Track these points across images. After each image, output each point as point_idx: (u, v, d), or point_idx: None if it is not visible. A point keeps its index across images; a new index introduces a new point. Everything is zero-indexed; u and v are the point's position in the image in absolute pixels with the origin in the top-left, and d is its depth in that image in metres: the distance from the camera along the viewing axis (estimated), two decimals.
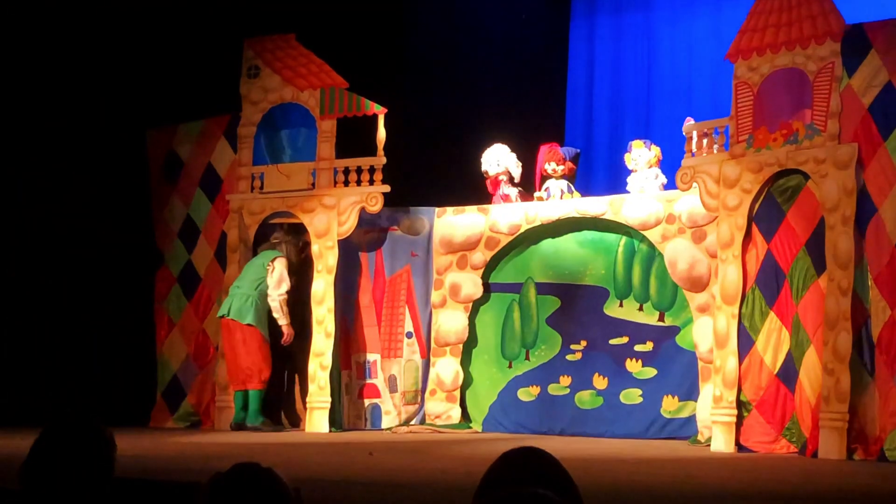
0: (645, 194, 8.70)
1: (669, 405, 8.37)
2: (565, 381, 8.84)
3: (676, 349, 8.42)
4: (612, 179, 9.35)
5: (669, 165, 8.87)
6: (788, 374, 7.36)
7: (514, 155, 9.38)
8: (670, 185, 8.72)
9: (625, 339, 8.63)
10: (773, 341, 7.47)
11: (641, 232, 8.54)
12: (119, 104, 10.24)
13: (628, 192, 8.92)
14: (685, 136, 8.24)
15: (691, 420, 8.21)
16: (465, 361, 9.22)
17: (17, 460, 2.75)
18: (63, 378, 9.96)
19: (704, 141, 8.01)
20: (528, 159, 10.04)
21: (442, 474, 5.93)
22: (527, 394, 8.97)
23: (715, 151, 7.94)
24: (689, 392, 8.28)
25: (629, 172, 9.04)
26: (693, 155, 8.07)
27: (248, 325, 9.00)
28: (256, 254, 9.41)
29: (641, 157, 8.93)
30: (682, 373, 8.36)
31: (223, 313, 9.12)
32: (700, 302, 8.16)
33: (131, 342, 10.12)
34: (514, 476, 2.34)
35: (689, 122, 8.43)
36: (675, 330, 8.45)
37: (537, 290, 9.03)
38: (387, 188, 9.09)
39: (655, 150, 8.95)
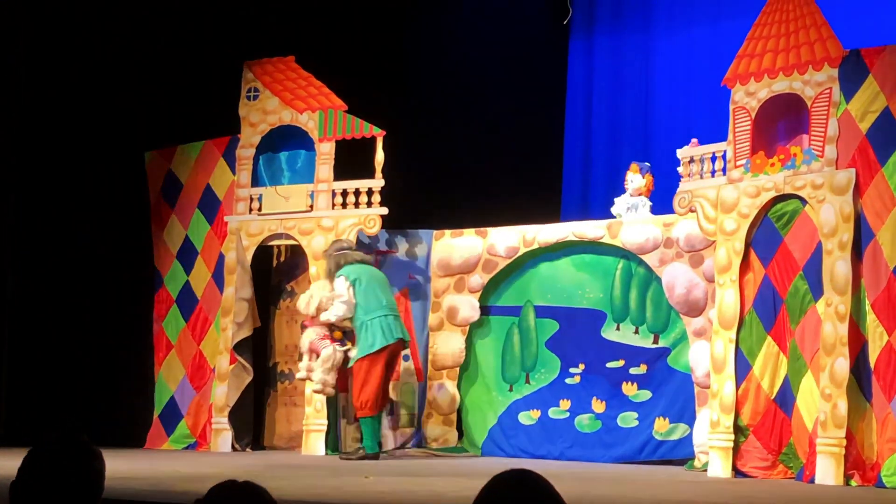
0: (641, 218, 8.71)
1: (661, 426, 8.36)
2: (565, 404, 8.83)
3: (668, 370, 8.42)
4: (610, 201, 9.35)
5: (668, 188, 8.88)
6: (786, 399, 7.35)
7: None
8: (659, 211, 8.75)
9: (621, 363, 8.63)
10: (770, 366, 7.46)
11: (639, 256, 8.54)
12: (118, 125, 10.26)
13: (611, 211, 8.96)
14: (679, 160, 8.30)
15: (683, 441, 8.20)
16: (462, 385, 9.20)
17: (7, 479, 2.74)
18: (60, 398, 9.93)
19: (702, 165, 8.02)
20: (525, 180, 10.08)
21: (438, 498, 5.91)
22: (527, 417, 8.96)
23: (713, 176, 7.95)
24: (681, 413, 8.27)
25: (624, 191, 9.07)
26: (691, 179, 8.08)
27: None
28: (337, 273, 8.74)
29: (633, 182, 8.99)
30: (673, 394, 8.36)
31: (404, 337, 8.63)
32: (697, 326, 8.15)
33: (130, 363, 10.10)
34: (506, 499, 2.34)
35: (695, 143, 8.44)
36: (666, 351, 8.45)
37: (536, 313, 9.03)
38: (385, 210, 9.09)
39: (647, 179, 8.95)
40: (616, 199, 9.06)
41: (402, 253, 9.37)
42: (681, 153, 8.24)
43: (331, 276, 8.68)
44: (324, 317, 8.61)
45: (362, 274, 8.60)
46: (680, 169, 8.60)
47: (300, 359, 8.85)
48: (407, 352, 9.22)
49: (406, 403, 9.22)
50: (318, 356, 8.65)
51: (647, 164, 9.14)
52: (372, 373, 8.41)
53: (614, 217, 8.96)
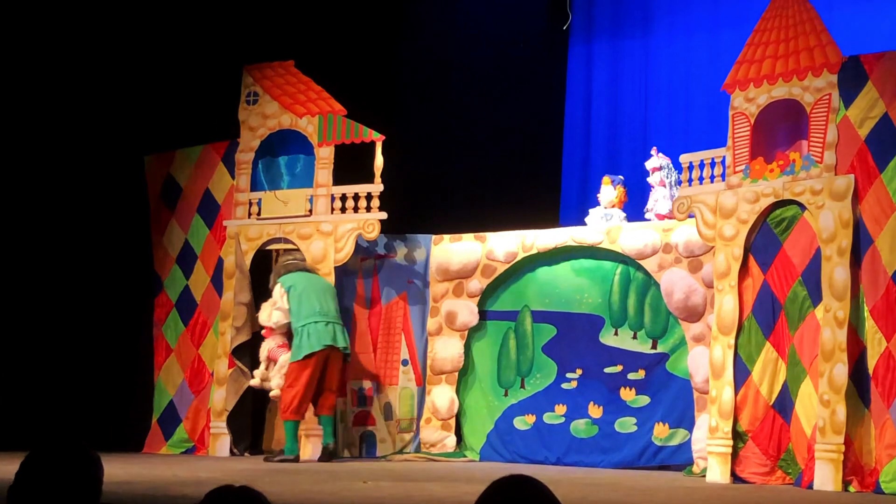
0: (638, 224, 8.72)
1: (660, 432, 8.37)
2: (560, 409, 8.83)
3: (667, 376, 8.42)
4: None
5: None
6: (784, 404, 7.35)
7: None
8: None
9: (619, 368, 8.63)
10: (769, 372, 7.46)
11: (638, 261, 8.54)
12: (117, 129, 10.26)
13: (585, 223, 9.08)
14: (647, 171, 8.71)
15: (683, 447, 8.20)
16: (461, 389, 9.20)
17: (6, 483, 2.74)
18: (60, 402, 9.93)
19: (701, 171, 8.03)
20: (524, 185, 10.07)
21: (436, 503, 5.91)
22: (522, 422, 8.95)
23: (712, 182, 7.96)
24: (680, 419, 8.27)
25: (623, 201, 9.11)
26: (690, 184, 8.09)
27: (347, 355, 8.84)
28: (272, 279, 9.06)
29: (605, 195, 9.04)
30: (672, 399, 8.36)
31: (333, 344, 8.63)
32: (696, 332, 8.15)
33: (130, 367, 10.09)
34: None
35: (655, 152, 8.78)
36: (665, 357, 8.45)
37: (533, 318, 9.03)
38: (384, 215, 9.09)
39: (619, 191, 9.00)
40: (591, 211, 9.10)
41: (401, 257, 9.38)
42: (650, 164, 8.65)
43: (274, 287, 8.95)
44: (264, 323, 8.91)
45: (298, 282, 8.78)
46: (650, 179, 8.75)
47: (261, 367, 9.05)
48: (405, 356, 9.24)
49: (405, 408, 9.22)
50: (275, 363, 8.83)
51: (621, 176, 9.22)
52: (298, 378, 8.56)
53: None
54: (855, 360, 6.91)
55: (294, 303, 8.69)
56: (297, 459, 8.57)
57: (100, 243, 10.20)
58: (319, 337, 8.57)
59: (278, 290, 8.81)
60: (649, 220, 8.79)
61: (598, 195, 9.13)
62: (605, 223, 8.86)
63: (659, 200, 8.72)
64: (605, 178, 9.16)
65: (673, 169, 8.75)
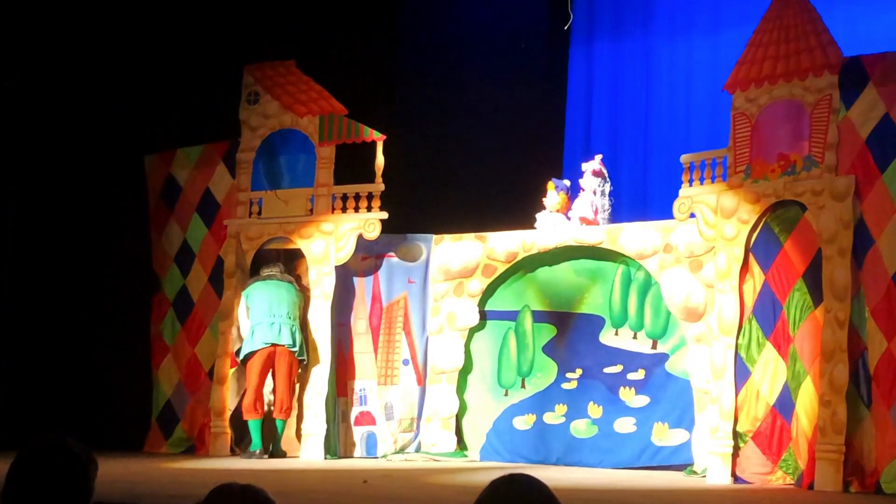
0: (639, 224, 8.73)
1: (660, 432, 8.36)
2: (560, 409, 8.83)
3: (667, 376, 8.42)
4: (613, 207, 9.36)
5: (667, 194, 8.90)
6: (785, 405, 7.35)
7: None
8: (659, 217, 8.78)
9: (619, 368, 8.63)
10: (769, 372, 7.46)
11: (639, 261, 8.54)
12: (118, 129, 10.26)
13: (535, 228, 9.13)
14: (583, 171, 8.87)
15: (682, 447, 8.19)
16: (461, 389, 9.20)
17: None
18: (60, 401, 9.93)
19: (701, 171, 8.03)
20: (525, 185, 10.05)
21: (436, 502, 5.91)
22: (522, 422, 8.95)
23: (713, 182, 7.96)
24: (680, 419, 8.26)
25: (627, 199, 9.12)
26: (690, 185, 8.09)
27: (294, 353, 8.91)
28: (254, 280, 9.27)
29: (549, 200, 9.06)
30: (672, 400, 8.35)
31: (274, 341, 8.84)
32: (696, 332, 8.14)
33: (130, 366, 10.09)
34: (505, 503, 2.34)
35: (599, 157, 8.95)
36: (664, 357, 8.45)
37: (534, 317, 9.03)
38: (384, 215, 9.09)
39: (562, 197, 9.04)
40: (537, 216, 9.11)
41: (402, 257, 9.37)
42: (587, 165, 8.82)
43: None
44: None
45: (251, 290, 9.08)
46: (581, 181, 8.84)
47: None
48: (406, 356, 9.24)
49: (405, 408, 9.21)
50: None
51: (566, 182, 9.25)
52: (248, 378, 8.95)
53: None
54: (856, 361, 6.91)
55: (250, 309, 8.98)
56: (261, 454, 8.78)
57: (100, 242, 10.20)
58: (262, 336, 8.85)
59: (241, 303, 9.10)
60: (570, 218, 8.91)
61: (544, 199, 9.15)
62: (552, 227, 8.90)
63: (584, 203, 8.80)
64: (550, 184, 9.19)
65: (608, 180, 8.85)
